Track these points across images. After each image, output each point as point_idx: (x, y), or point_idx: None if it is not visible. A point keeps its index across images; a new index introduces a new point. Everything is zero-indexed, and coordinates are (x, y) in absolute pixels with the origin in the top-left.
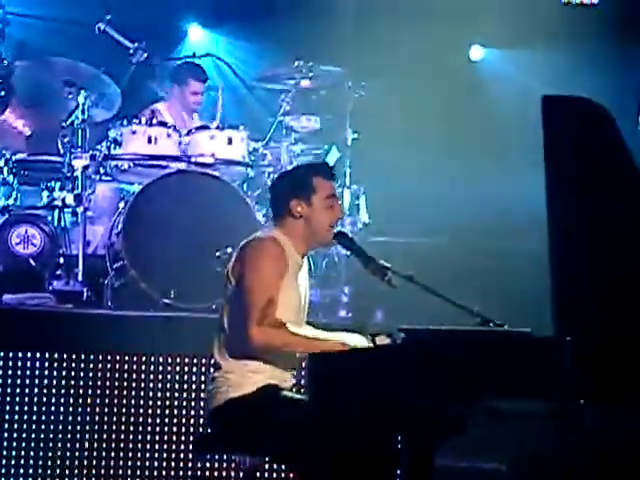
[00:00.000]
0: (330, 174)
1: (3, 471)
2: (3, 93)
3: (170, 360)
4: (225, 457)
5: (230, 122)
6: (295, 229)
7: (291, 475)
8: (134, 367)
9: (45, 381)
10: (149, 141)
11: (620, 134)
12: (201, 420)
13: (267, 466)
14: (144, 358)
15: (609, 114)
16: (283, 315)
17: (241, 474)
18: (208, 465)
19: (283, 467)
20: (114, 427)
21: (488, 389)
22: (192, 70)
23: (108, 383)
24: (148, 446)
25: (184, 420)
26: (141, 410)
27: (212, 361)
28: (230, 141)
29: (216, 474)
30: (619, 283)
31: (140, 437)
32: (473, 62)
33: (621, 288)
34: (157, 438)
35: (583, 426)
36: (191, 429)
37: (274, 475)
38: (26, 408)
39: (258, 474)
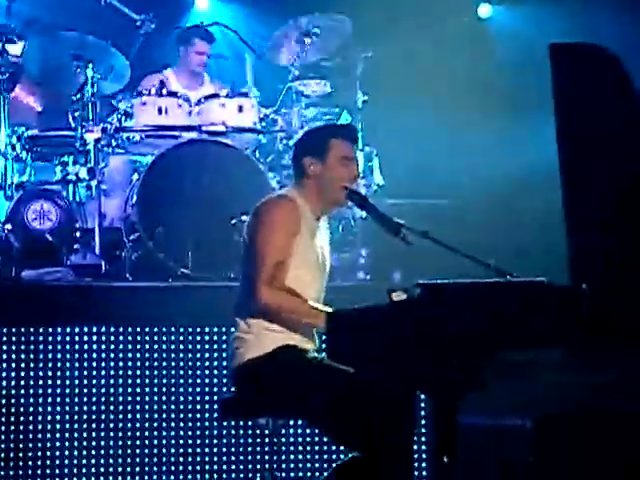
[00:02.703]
0: (348, 136)
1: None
2: (13, 70)
3: (191, 329)
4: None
5: (240, 90)
6: (310, 189)
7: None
8: (155, 338)
9: (67, 355)
10: (159, 112)
11: (630, 80)
12: (224, 386)
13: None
14: (164, 329)
15: (619, 60)
16: (299, 275)
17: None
18: (234, 431)
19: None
20: (138, 398)
21: (507, 339)
22: (197, 30)
23: (130, 355)
24: (173, 415)
25: (207, 388)
26: (164, 380)
27: (233, 320)
28: (241, 109)
29: (242, 439)
30: (634, 230)
31: (165, 407)
32: (482, 20)
33: (636, 235)
34: (182, 407)
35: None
36: (214, 397)
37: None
38: (50, 382)
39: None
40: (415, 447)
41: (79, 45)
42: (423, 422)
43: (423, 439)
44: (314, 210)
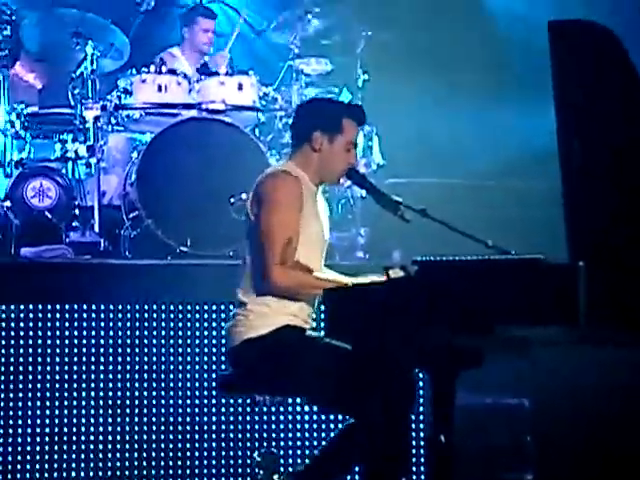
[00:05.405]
0: (361, 119)
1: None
2: (12, 46)
3: (189, 307)
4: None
5: (240, 67)
6: (310, 161)
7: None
8: (154, 316)
9: (66, 332)
10: (159, 89)
11: (629, 58)
12: (222, 363)
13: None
14: (163, 306)
15: (616, 37)
16: (306, 249)
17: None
18: (232, 408)
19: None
20: (137, 376)
21: (502, 317)
22: (200, 9)
23: (129, 332)
24: (172, 392)
25: (206, 366)
26: (162, 358)
27: (236, 299)
28: (240, 87)
29: (240, 415)
30: (634, 209)
31: (163, 384)
32: None
33: (635, 214)
34: (179, 385)
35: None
36: (213, 375)
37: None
38: (49, 359)
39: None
40: (413, 426)
41: (79, 22)
42: (422, 401)
43: (421, 417)
44: (312, 179)
